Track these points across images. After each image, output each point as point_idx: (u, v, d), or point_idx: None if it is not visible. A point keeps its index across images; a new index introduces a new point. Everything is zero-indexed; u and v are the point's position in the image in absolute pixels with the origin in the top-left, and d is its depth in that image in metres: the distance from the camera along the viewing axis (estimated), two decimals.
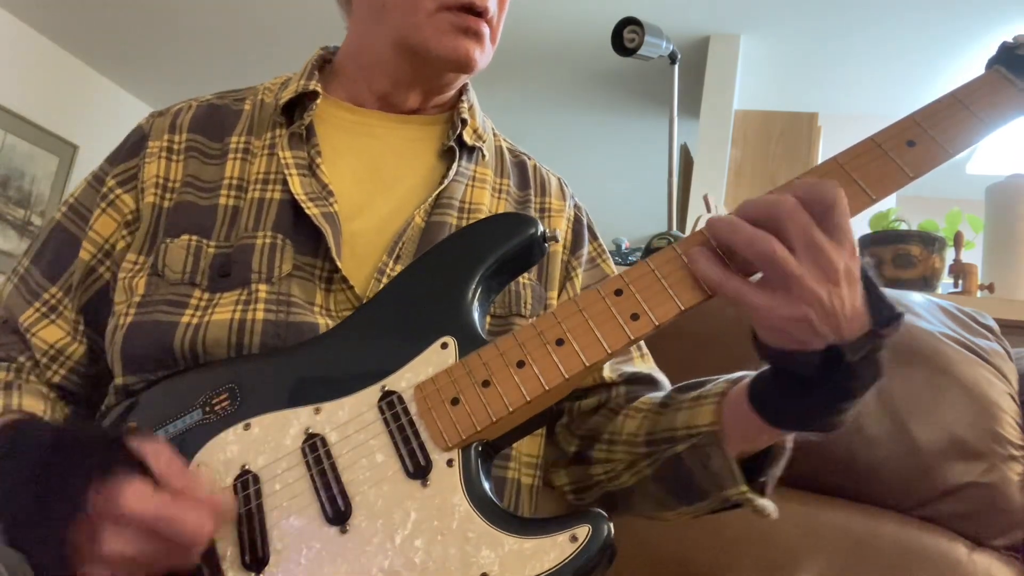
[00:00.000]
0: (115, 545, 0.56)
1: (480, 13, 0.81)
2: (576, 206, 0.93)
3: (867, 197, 0.63)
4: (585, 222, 0.93)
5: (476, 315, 0.69)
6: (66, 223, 0.83)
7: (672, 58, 2.21)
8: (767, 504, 0.68)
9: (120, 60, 4.28)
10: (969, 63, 3.33)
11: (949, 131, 0.64)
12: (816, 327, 0.57)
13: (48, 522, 0.57)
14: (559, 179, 0.95)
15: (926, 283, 1.59)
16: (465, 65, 0.83)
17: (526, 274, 0.82)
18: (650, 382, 0.84)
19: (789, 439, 0.69)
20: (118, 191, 0.82)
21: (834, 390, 0.60)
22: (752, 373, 0.67)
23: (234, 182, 0.81)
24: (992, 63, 0.68)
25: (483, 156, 0.88)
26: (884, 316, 0.59)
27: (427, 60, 0.83)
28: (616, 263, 2.14)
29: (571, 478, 0.83)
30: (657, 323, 0.62)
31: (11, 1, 3.81)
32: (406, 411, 0.64)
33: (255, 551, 0.61)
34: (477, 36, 0.82)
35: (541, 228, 0.71)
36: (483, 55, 0.84)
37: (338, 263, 0.75)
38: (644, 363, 0.88)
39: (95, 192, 0.83)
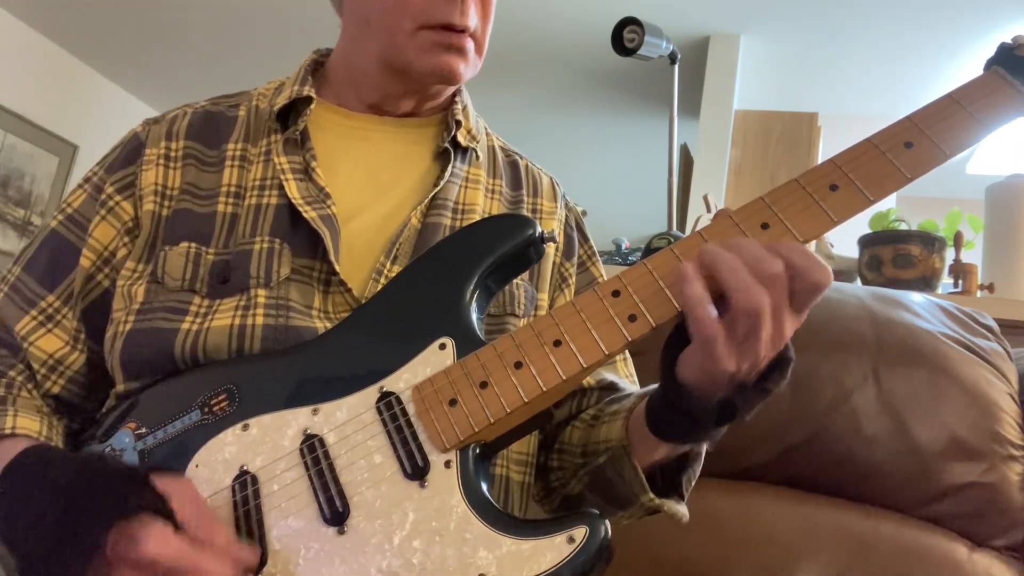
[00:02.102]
0: None
1: (462, 30, 0.80)
2: (567, 207, 0.93)
3: (865, 198, 0.63)
4: (575, 223, 0.93)
5: (474, 316, 0.69)
6: (63, 231, 0.82)
7: (672, 58, 2.21)
8: (679, 509, 0.72)
9: (120, 60, 4.28)
10: (970, 63, 3.33)
11: (946, 132, 0.64)
12: (738, 377, 0.60)
13: (64, 560, 0.56)
14: (551, 178, 0.95)
15: (926, 283, 1.59)
16: (449, 80, 0.83)
17: None
18: (615, 391, 0.84)
19: (703, 446, 0.71)
20: (117, 198, 0.81)
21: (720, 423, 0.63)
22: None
23: (232, 189, 0.80)
24: (991, 64, 0.67)
25: (477, 157, 0.88)
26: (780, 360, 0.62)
27: (412, 76, 0.83)
28: (616, 263, 2.14)
29: (538, 485, 0.85)
30: (654, 324, 0.62)
31: (11, 1, 3.81)
32: (404, 412, 0.64)
33: (254, 551, 0.60)
34: (460, 51, 0.81)
35: (539, 229, 0.71)
36: (468, 68, 0.83)
37: (336, 266, 0.75)
38: (625, 367, 0.89)
39: (93, 200, 0.82)
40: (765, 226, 0.63)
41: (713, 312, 0.57)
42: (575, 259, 0.90)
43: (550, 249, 0.87)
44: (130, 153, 0.84)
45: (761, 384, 0.61)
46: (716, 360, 0.58)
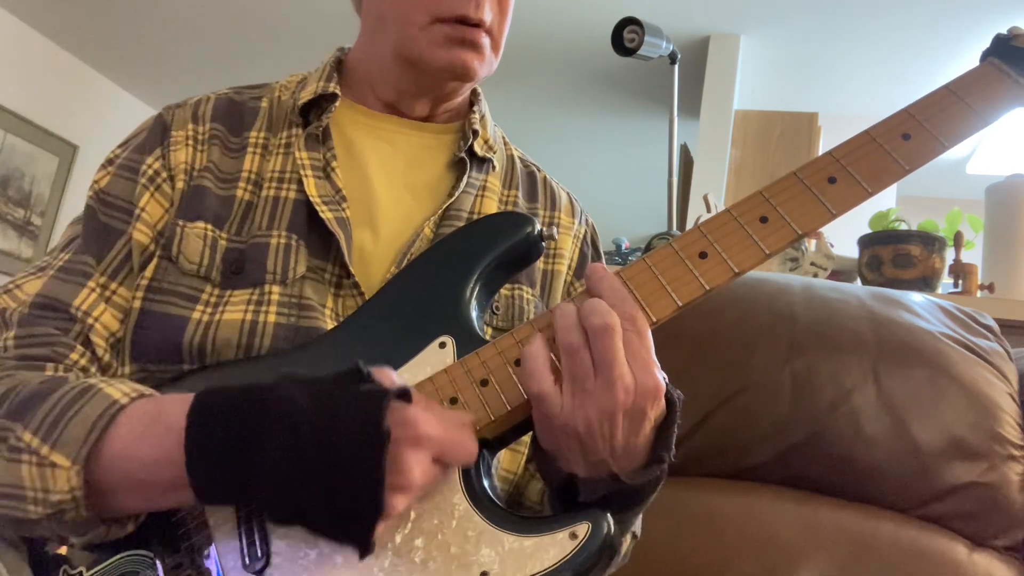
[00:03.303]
0: (418, 471, 0.56)
1: (476, 24, 0.80)
2: (587, 222, 0.93)
3: (863, 190, 0.63)
4: (592, 241, 0.92)
5: (474, 314, 0.69)
6: (104, 218, 0.77)
7: (672, 58, 2.21)
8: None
9: (120, 60, 4.28)
10: (970, 63, 3.31)
11: (944, 124, 0.65)
12: (583, 447, 0.60)
13: (357, 458, 0.54)
14: (569, 194, 0.94)
15: (926, 283, 1.59)
16: (463, 75, 0.82)
17: (529, 289, 0.82)
18: None
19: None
20: (164, 174, 0.79)
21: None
22: None
23: (252, 176, 0.79)
24: (986, 55, 0.68)
25: (493, 167, 0.87)
26: (654, 457, 0.62)
27: (426, 71, 0.82)
28: (616, 263, 2.14)
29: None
30: (655, 320, 0.62)
31: (11, 1, 3.81)
32: None
33: (255, 553, 0.60)
34: (474, 46, 0.80)
35: (538, 227, 0.71)
36: (483, 64, 0.82)
37: (351, 267, 0.74)
38: None
39: (127, 180, 0.79)
40: (764, 220, 0.63)
41: (548, 372, 0.60)
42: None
43: (561, 268, 0.86)
44: (159, 135, 0.82)
45: (617, 478, 0.61)
46: (551, 417, 0.59)
